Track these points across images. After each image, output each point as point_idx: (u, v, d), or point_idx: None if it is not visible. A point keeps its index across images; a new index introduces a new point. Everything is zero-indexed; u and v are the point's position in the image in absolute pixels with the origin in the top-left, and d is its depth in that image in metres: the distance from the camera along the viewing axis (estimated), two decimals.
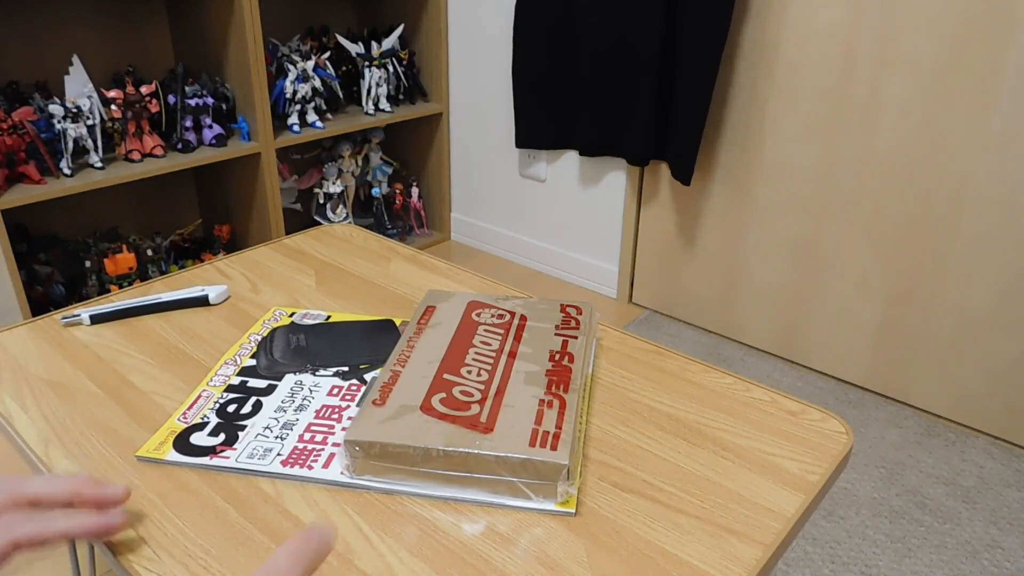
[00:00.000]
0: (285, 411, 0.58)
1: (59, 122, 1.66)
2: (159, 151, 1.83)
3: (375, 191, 2.43)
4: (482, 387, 0.54)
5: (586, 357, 0.60)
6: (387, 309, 0.74)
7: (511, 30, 2.12)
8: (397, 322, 0.71)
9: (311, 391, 0.60)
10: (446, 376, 0.55)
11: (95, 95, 1.71)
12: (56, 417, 0.57)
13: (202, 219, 2.26)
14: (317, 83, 2.07)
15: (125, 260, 1.90)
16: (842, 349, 1.83)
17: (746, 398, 0.61)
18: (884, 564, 1.32)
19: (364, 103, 2.23)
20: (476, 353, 0.58)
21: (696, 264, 2.04)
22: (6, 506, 0.42)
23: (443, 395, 0.53)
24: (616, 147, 2.01)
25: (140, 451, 0.53)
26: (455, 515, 0.48)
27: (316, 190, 2.32)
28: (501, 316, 0.64)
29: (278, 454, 0.53)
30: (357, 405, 0.58)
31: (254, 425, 0.56)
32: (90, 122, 1.71)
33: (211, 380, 0.61)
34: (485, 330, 0.62)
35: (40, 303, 1.83)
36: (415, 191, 2.52)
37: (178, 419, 0.57)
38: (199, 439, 0.54)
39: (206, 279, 0.80)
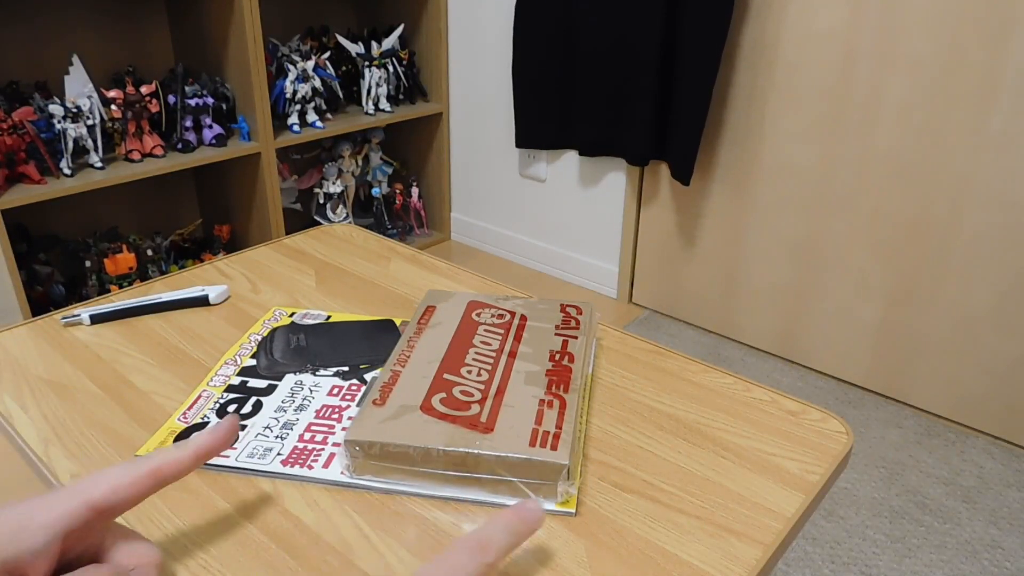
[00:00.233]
0: (285, 411, 0.58)
1: (59, 122, 1.66)
2: (159, 151, 1.83)
3: (375, 191, 2.43)
4: (482, 387, 0.54)
5: (586, 357, 0.60)
6: (387, 309, 0.74)
7: (511, 30, 2.12)
8: (397, 322, 0.71)
9: (311, 391, 0.60)
10: (446, 376, 0.55)
11: (95, 95, 1.71)
12: (56, 417, 0.57)
13: (202, 219, 2.26)
14: (317, 83, 2.07)
15: (125, 260, 1.90)
16: (842, 349, 1.83)
17: (746, 398, 0.61)
18: (884, 564, 1.32)
19: (364, 103, 2.23)
20: (476, 353, 0.58)
21: (696, 264, 2.04)
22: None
23: (443, 395, 0.53)
24: (616, 147, 2.01)
25: (140, 451, 0.53)
26: (455, 515, 0.48)
27: (316, 190, 2.32)
28: (501, 316, 0.64)
29: (278, 454, 0.53)
30: (357, 405, 0.58)
31: (254, 425, 0.56)
32: (90, 122, 1.71)
33: (211, 380, 0.61)
34: (485, 330, 0.62)
35: (40, 303, 1.83)
36: (415, 191, 2.52)
37: (178, 419, 0.57)
38: None
39: (206, 279, 0.80)
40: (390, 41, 2.23)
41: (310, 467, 0.52)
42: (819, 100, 1.68)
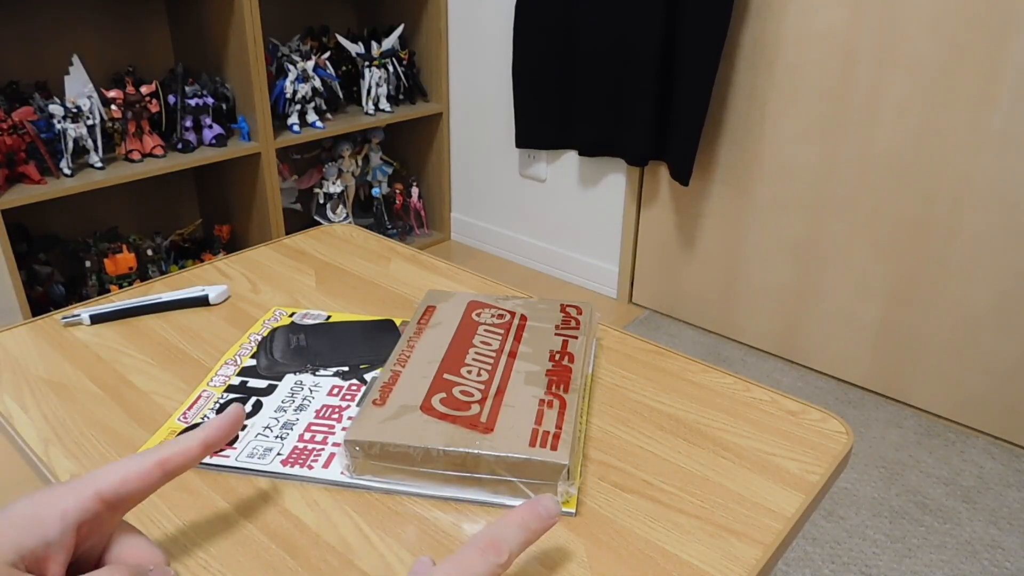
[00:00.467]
0: (285, 411, 0.58)
1: (59, 122, 1.66)
2: (159, 151, 1.83)
3: (375, 191, 2.43)
4: (482, 387, 0.54)
5: (586, 357, 0.60)
6: (387, 309, 0.74)
7: (511, 30, 2.12)
8: (397, 322, 0.71)
9: (311, 391, 0.60)
10: (446, 376, 0.55)
11: (95, 95, 1.71)
12: (56, 417, 0.57)
13: (202, 219, 2.26)
14: (317, 83, 2.07)
15: (125, 260, 1.90)
16: (842, 349, 1.83)
17: (746, 398, 0.61)
18: (884, 564, 1.32)
19: (364, 103, 2.24)
20: (476, 353, 0.58)
21: (696, 264, 2.04)
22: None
23: (443, 395, 0.53)
24: (616, 147, 2.01)
25: (140, 451, 0.53)
26: (455, 515, 0.48)
27: (316, 190, 2.32)
28: (501, 316, 0.64)
29: (278, 454, 0.53)
30: (357, 405, 0.58)
31: (254, 425, 0.56)
32: (90, 122, 1.71)
33: (211, 380, 0.61)
34: (485, 330, 0.62)
35: (40, 303, 1.83)
36: (415, 191, 2.52)
37: (178, 419, 0.57)
38: None
39: (206, 279, 0.80)
40: (390, 41, 2.23)
41: (310, 467, 0.52)
42: (819, 100, 1.68)
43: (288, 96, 2.04)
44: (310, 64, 2.04)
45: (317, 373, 0.62)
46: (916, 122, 1.57)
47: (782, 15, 1.68)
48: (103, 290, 1.91)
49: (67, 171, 1.69)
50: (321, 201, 2.32)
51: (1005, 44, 1.42)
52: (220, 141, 1.92)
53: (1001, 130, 1.47)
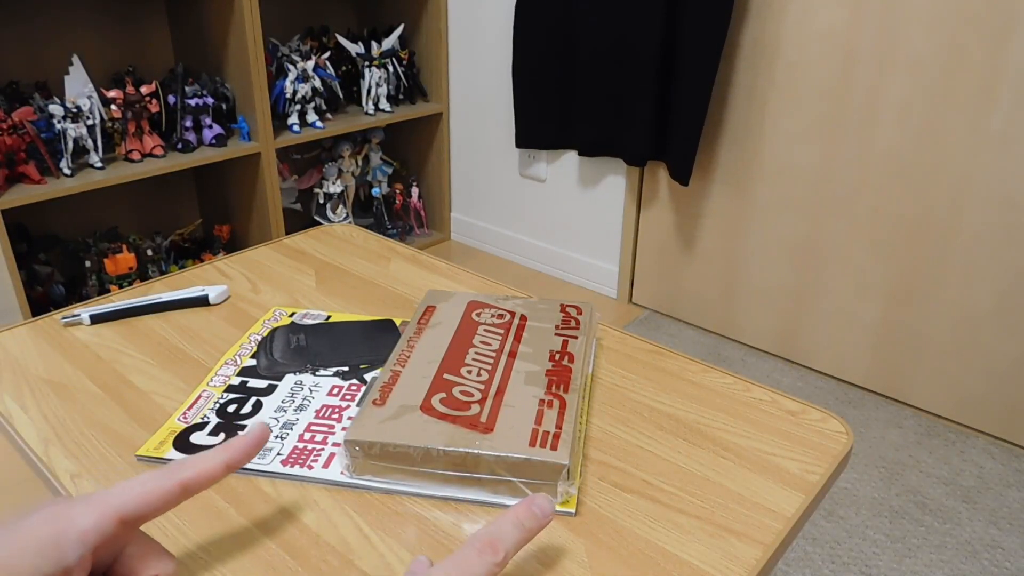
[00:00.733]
0: (285, 411, 0.58)
1: (59, 122, 1.66)
2: (159, 151, 1.83)
3: (375, 191, 2.43)
4: (482, 387, 0.54)
5: (586, 357, 0.60)
6: (387, 309, 0.74)
7: (511, 30, 2.12)
8: (397, 322, 0.71)
9: (311, 391, 0.60)
10: (446, 376, 0.55)
11: (95, 95, 1.71)
12: (56, 417, 0.57)
13: (202, 219, 2.26)
14: (317, 83, 2.07)
15: (125, 260, 1.90)
16: (842, 349, 1.83)
17: (746, 398, 0.61)
18: (884, 564, 1.32)
19: (364, 103, 2.24)
20: (476, 353, 0.58)
21: (696, 264, 2.04)
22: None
23: (443, 395, 0.53)
24: (615, 147, 2.01)
25: (140, 451, 0.53)
26: (455, 515, 0.48)
27: (316, 190, 2.32)
28: (501, 316, 0.64)
29: (278, 454, 0.53)
30: (357, 405, 0.58)
31: (254, 425, 0.56)
32: (90, 122, 1.71)
33: (211, 380, 0.61)
34: (485, 330, 0.62)
35: (40, 303, 1.83)
36: (415, 191, 2.52)
37: (178, 419, 0.57)
38: (199, 439, 0.54)
39: (206, 279, 0.80)
40: (390, 41, 2.23)
41: (310, 467, 0.52)
42: (819, 100, 1.68)
43: (288, 96, 2.04)
44: (310, 64, 2.04)
45: (317, 373, 0.62)
46: (916, 122, 1.57)
47: (782, 15, 1.68)
48: (103, 290, 1.91)
49: (67, 171, 1.69)
50: (321, 201, 2.32)
51: (1005, 44, 1.42)
52: (220, 141, 1.92)
53: (1001, 130, 1.47)
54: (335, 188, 2.30)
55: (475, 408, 0.52)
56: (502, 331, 0.62)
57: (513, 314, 0.65)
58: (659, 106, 1.85)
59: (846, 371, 1.84)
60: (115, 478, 0.51)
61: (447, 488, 0.49)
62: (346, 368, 0.63)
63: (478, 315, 0.64)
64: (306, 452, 0.53)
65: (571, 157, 2.19)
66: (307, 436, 0.55)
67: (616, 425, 0.57)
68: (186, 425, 0.56)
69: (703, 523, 0.48)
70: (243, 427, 0.56)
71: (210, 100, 1.89)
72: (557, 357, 0.58)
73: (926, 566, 1.32)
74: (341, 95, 2.23)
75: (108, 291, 1.90)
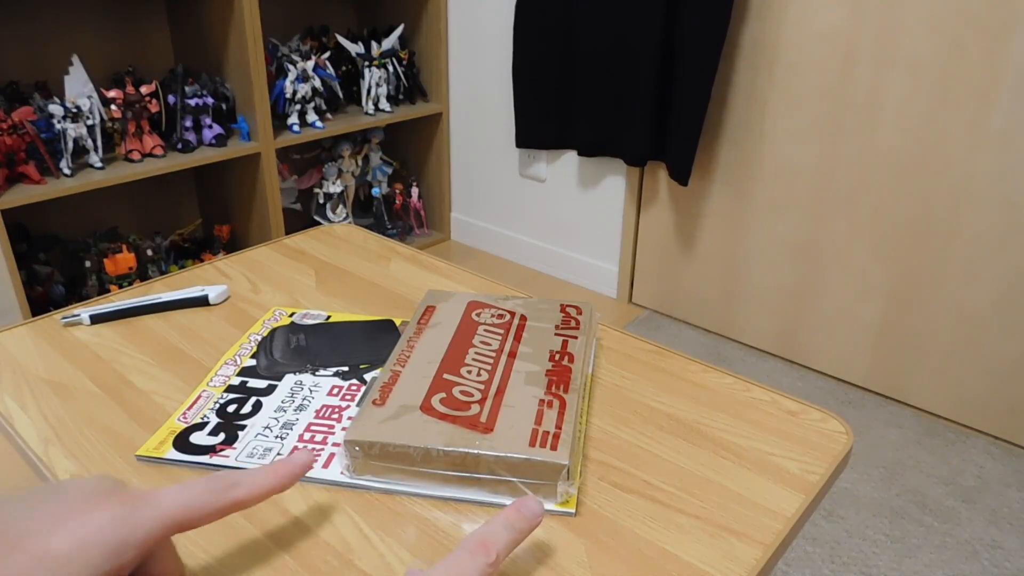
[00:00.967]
0: (285, 411, 0.58)
1: (59, 122, 1.66)
2: (159, 151, 1.83)
3: (375, 191, 2.43)
4: (482, 387, 0.54)
5: (586, 357, 0.60)
6: (387, 309, 0.74)
7: (511, 30, 2.12)
8: (397, 322, 0.71)
9: (311, 391, 0.60)
10: (446, 376, 0.55)
11: (95, 95, 1.71)
12: (56, 417, 0.57)
13: (202, 219, 2.26)
14: (317, 83, 2.07)
15: (125, 260, 1.90)
16: (842, 349, 1.83)
17: (746, 398, 0.61)
18: (884, 564, 1.32)
19: (364, 103, 2.24)
20: (476, 353, 0.58)
21: (696, 264, 2.04)
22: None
23: (443, 395, 0.53)
24: (615, 147, 2.01)
25: (140, 450, 0.53)
26: (455, 515, 0.48)
27: (316, 190, 2.32)
28: (501, 316, 0.64)
29: (278, 454, 0.53)
30: (357, 405, 0.58)
31: (254, 425, 0.56)
32: (90, 122, 1.71)
33: (211, 380, 0.61)
34: (485, 330, 0.62)
35: (40, 303, 1.83)
36: (415, 191, 2.52)
37: (178, 419, 0.57)
38: (199, 439, 0.54)
39: (206, 279, 0.79)
40: (390, 41, 2.23)
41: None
42: (819, 100, 1.68)
43: (288, 96, 2.04)
44: (310, 64, 2.04)
45: (317, 373, 0.62)
46: (916, 122, 1.57)
47: (782, 15, 1.68)
48: (103, 290, 1.91)
49: (67, 171, 1.69)
50: (321, 201, 2.32)
51: (1005, 44, 1.42)
52: (220, 141, 1.92)
53: (1001, 130, 1.47)
54: (335, 188, 2.30)
55: (475, 408, 0.52)
56: (502, 331, 0.62)
57: (513, 314, 0.65)
58: (659, 106, 1.85)
59: (846, 371, 1.84)
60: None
61: (447, 488, 0.49)
62: (346, 368, 0.63)
63: (478, 315, 0.64)
64: None
65: (571, 157, 2.19)
66: (307, 436, 0.55)
67: (616, 425, 0.57)
68: (186, 425, 0.56)
69: (703, 523, 0.48)
70: (243, 427, 0.56)
71: (210, 100, 1.89)
72: (557, 357, 0.58)
73: (926, 566, 1.32)
74: (341, 95, 2.23)
75: (108, 291, 1.90)
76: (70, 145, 1.68)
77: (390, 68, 2.26)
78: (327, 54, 2.13)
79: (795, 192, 1.79)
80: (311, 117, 2.09)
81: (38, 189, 1.63)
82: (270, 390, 0.60)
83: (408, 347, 0.59)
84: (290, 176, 2.31)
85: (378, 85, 2.23)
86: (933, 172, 1.57)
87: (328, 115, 2.17)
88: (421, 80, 2.40)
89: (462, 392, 0.53)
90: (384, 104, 2.26)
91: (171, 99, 1.86)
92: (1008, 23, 1.41)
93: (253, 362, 0.64)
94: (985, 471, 1.56)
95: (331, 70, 2.13)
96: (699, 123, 1.79)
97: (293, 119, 2.06)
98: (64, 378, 0.62)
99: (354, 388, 0.61)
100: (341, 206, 2.34)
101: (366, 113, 2.23)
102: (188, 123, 1.88)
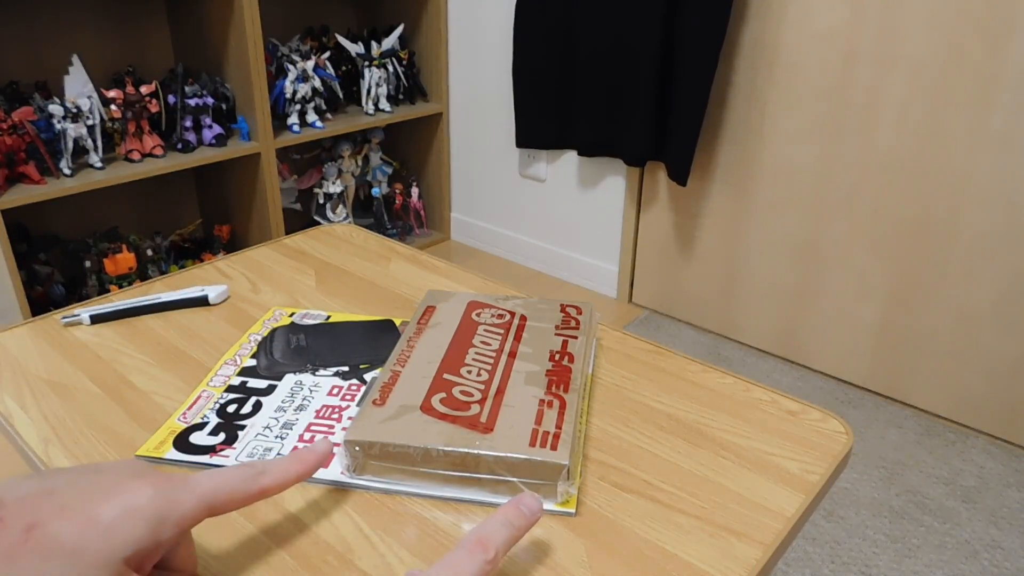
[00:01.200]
0: (285, 411, 0.58)
1: (59, 122, 1.66)
2: (159, 151, 1.83)
3: (375, 191, 2.43)
4: (482, 387, 0.54)
5: (586, 357, 0.60)
6: (387, 309, 0.74)
7: (511, 30, 2.12)
8: (397, 322, 0.71)
9: (311, 391, 0.60)
10: (446, 376, 0.55)
11: (95, 95, 1.71)
12: (56, 417, 0.57)
13: (202, 219, 2.26)
14: (317, 83, 2.07)
15: (125, 260, 1.90)
16: (842, 349, 1.83)
17: (746, 398, 0.61)
18: (884, 564, 1.32)
19: (364, 103, 2.24)
20: (476, 353, 0.58)
21: (696, 264, 2.04)
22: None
23: (443, 395, 0.53)
24: (614, 147, 2.01)
25: (140, 450, 0.53)
26: (455, 515, 0.48)
27: (316, 190, 2.32)
28: (501, 316, 0.64)
29: (278, 453, 0.53)
30: (357, 405, 0.58)
31: (254, 425, 0.56)
32: (90, 122, 1.71)
33: (211, 380, 0.61)
34: (485, 330, 0.62)
35: (40, 303, 1.83)
36: (415, 191, 2.52)
37: (178, 419, 0.57)
38: (199, 438, 0.54)
39: (206, 279, 0.80)
40: (390, 41, 2.23)
41: None
42: (819, 100, 1.68)
43: (288, 96, 2.04)
44: (310, 64, 2.04)
45: (317, 373, 0.62)
46: (916, 122, 1.57)
47: (782, 15, 1.68)
48: (103, 290, 1.91)
49: (67, 171, 1.69)
50: (321, 201, 2.32)
51: (1005, 44, 1.42)
52: (220, 141, 1.92)
53: (1001, 130, 1.47)
54: (335, 188, 2.30)
55: (475, 408, 0.52)
56: (502, 331, 0.62)
57: (513, 314, 0.65)
58: (658, 106, 1.85)
59: (846, 371, 1.84)
60: None
61: (447, 488, 0.49)
62: (346, 368, 0.63)
63: (478, 315, 0.64)
64: None
65: (571, 157, 2.19)
66: (307, 436, 0.55)
67: (616, 425, 0.57)
68: (186, 425, 0.56)
69: (703, 523, 0.48)
70: (243, 427, 0.56)
71: (210, 100, 1.89)
72: (557, 357, 0.58)
73: (926, 566, 1.32)
74: (341, 95, 2.23)
75: (108, 291, 1.90)
76: (70, 145, 1.68)
77: (390, 68, 2.26)
78: (327, 54, 2.13)
79: (795, 192, 1.79)
80: (311, 117, 2.09)
81: (38, 189, 1.63)
82: (270, 390, 0.60)
83: (408, 347, 0.59)
84: (290, 176, 2.31)
85: (378, 85, 2.23)
86: (933, 172, 1.57)
87: (328, 115, 2.17)
88: (421, 80, 2.40)
89: (462, 392, 0.53)
90: (384, 104, 2.26)
91: (171, 99, 1.86)
92: (1008, 24, 1.41)
93: (253, 362, 0.64)
94: (985, 471, 1.56)
95: (331, 70, 2.13)
96: (698, 123, 1.79)
97: (293, 119, 2.06)
98: (64, 378, 0.62)
99: (354, 388, 0.61)
100: (341, 206, 2.34)
101: (366, 113, 2.23)
102: (188, 123, 1.88)
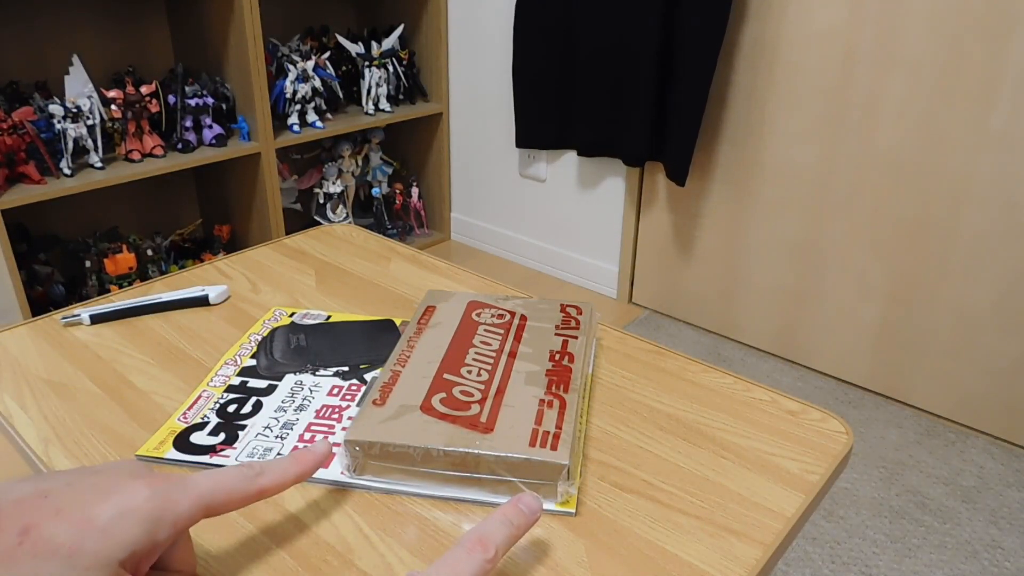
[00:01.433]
0: (285, 411, 0.58)
1: (59, 122, 1.66)
2: (159, 151, 1.83)
3: (375, 191, 2.43)
4: (482, 387, 0.54)
5: (586, 357, 0.60)
6: (387, 309, 0.74)
7: (511, 30, 2.12)
8: (397, 322, 0.71)
9: (311, 391, 0.60)
10: (446, 376, 0.55)
11: (95, 95, 1.71)
12: (56, 417, 0.57)
13: (202, 219, 2.26)
14: (317, 83, 2.07)
15: (125, 260, 1.90)
16: (842, 349, 1.83)
17: (746, 398, 0.61)
18: (884, 564, 1.32)
19: (364, 103, 2.24)
20: (476, 353, 0.58)
21: (696, 264, 2.04)
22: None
23: (443, 395, 0.53)
24: (614, 147, 2.01)
25: (140, 450, 0.53)
26: (455, 515, 0.48)
27: (316, 190, 2.32)
28: (501, 316, 0.64)
29: (278, 453, 0.53)
30: (357, 405, 0.58)
31: (254, 425, 0.56)
32: (90, 122, 1.71)
33: (211, 380, 0.61)
34: (485, 330, 0.62)
35: (40, 303, 1.83)
36: (415, 191, 2.52)
37: (178, 419, 0.57)
38: (199, 438, 0.54)
39: (206, 279, 0.80)
40: (390, 41, 2.23)
41: None
42: (819, 100, 1.68)
43: (288, 96, 2.04)
44: (310, 64, 2.04)
45: (317, 373, 0.62)
46: (916, 122, 1.57)
47: (782, 15, 1.68)
48: (103, 290, 1.91)
49: (67, 171, 1.69)
50: (321, 201, 2.32)
51: (1005, 44, 1.42)
52: (220, 141, 1.92)
53: (1001, 130, 1.47)
54: (335, 188, 2.30)
55: (475, 408, 0.52)
56: (502, 331, 0.62)
57: (513, 314, 0.65)
58: (657, 107, 1.85)
59: (846, 371, 1.84)
60: None
61: (447, 488, 0.49)
62: (346, 368, 0.63)
63: (478, 315, 0.64)
64: None
65: (571, 157, 2.19)
66: (307, 436, 0.55)
67: (616, 425, 0.57)
68: (186, 425, 0.56)
69: (703, 523, 0.48)
70: (243, 427, 0.56)
71: (210, 100, 1.89)
72: (557, 357, 0.58)
73: (926, 566, 1.32)
74: (341, 95, 2.23)
75: (108, 291, 1.90)
76: (70, 145, 1.68)
77: (390, 68, 2.26)
78: (327, 54, 2.13)
79: (795, 192, 1.79)
80: (311, 117, 2.09)
81: (38, 189, 1.63)
82: (270, 390, 0.60)
83: (408, 347, 0.59)
84: (290, 176, 2.31)
85: (378, 85, 2.23)
86: (933, 172, 1.57)
87: (328, 115, 2.17)
88: (421, 80, 2.40)
89: (462, 392, 0.53)
90: (384, 104, 2.26)
91: (171, 99, 1.86)
92: (1008, 23, 1.41)
93: (253, 362, 0.64)
94: (985, 471, 1.56)
95: (331, 70, 2.13)
96: (697, 124, 1.79)
97: (293, 119, 2.06)
98: (64, 378, 0.62)
99: (354, 388, 0.61)
100: (341, 206, 2.34)
101: (366, 113, 2.23)
102: (188, 123, 1.88)
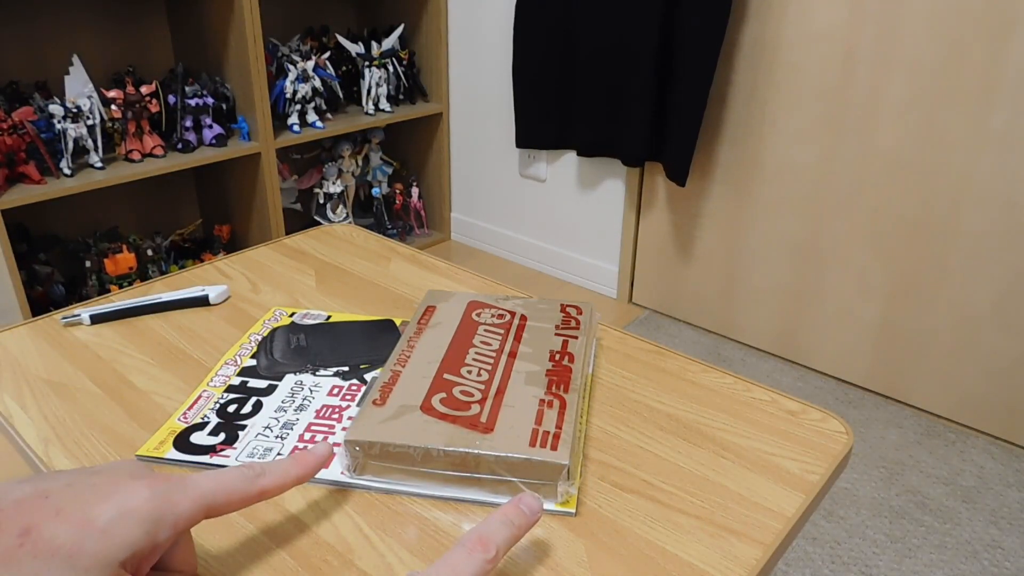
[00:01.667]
0: (285, 411, 0.58)
1: (59, 122, 1.66)
2: (159, 151, 1.83)
3: (375, 191, 2.43)
4: (482, 387, 0.54)
5: (586, 357, 0.60)
6: (387, 309, 0.74)
7: (511, 30, 2.12)
8: (397, 322, 0.71)
9: (311, 391, 0.60)
10: (446, 376, 0.55)
11: (95, 95, 1.71)
12: (56, 417, 0.57)
13: (202, 219, 2.26)
14: (317, 83, 2.07)
15: (125, 260, 1.90)
16: (842, 349, 1.83)
17: (746, 398, 0.61)
18: (884, 564, 1.32)
19: (364, 103, 2.24)
20: (476, 353, 0.58)
21: (696, 264, 2.04)
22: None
23: (443, 395, 0.53)
24: (614, 148, 2.01)
25: (140, 450, 0.53)
26: (455, 515, 0.48)
27: (316, 190, 2.32)
28: (501, 316, 0.64)
29: (278, 453, 0.53)
30: (357, 405, 0.58)
31: (254, 425, 0.56)
32: (90, 122, 1.71)
33: (211, 380, 0.61)
34: (485, 330, 0.62)
35: (40, 303, 1.83)
36: (415, 191, 2.52)
37: (178, 419, 0.57)
38: (199, 438, 0.54)
39: (206, 279, 0.80)
40: (390, 41, 2.23)
41: None
42: (819, 100, 1.68)
43: (288, 96, 2.04)
44: (310, 64, 2.04)
45: (317, 373, 0.62)
46: (916, 122, 1.57)
47: (782, 15, 1.68)
48: (103, 290, 1.91)
49: (67, 171, 1.69)
50: (321, 201, 2.32)
51: (1005, 44, 1.42)
52: (220, 141, 1.92)
53: (1001, 130, 1.47)
54: (335, 188, 2.30)
55: (475, 408, 0.52)
56: (502, 331, 0.62)
57: (513, 314, 0.65)
58: (657, 107, 1.85)
59: (846, 371, 1.84)
60: None
61: (447, 488, 0.49)
62: (346, 368, 0.63)
63: (478, 315, 0.64)
64: None
65: (571, 157, 2.19)
66: (307, 436, 0.55)
67: (616, 425, 0.57)
68: (186, 425, 0.56)
69: (703, 523, 0.48)
70: (243, 427, 0.56)
71: (210, 100, 1.89)
72: (557, 357, 0.58)
73: (926, 566, 1.32)
74: (341, 95, 2.23)
75: (108, 291, 1.90)
76: (70, 145, 1.68)
77: (390, 68, 2.26)
78: (327, 54, 2.13)
79: (795, 192, 1.79)
80: (311, 117, 2.09)
81: (38, 189, 1.63)
82: (270, 390, 0.60)
83: (408, 347, 0.59)
84: (290, 176, 2.31)
85: (378, 85, 2.23)
86: (933, 172, 1.57)
87: (328, 115, 2.17)
88: (421, 80, 2.40)
89: (462, 392, 0.53)
90: (384, 104, 2.26)
91: (171, 99, 1.86)
92: (1008, 23, 1.41)
93: (253, 362, 0.64)
94: (985, 471, 1.56)
95: (331, 70, 2.13)
96: (697, 124, 1.79)
97: (293, 119, 2.06)
98: (64, 378, 0.62)
99: (354, 388, 0.61)
100: (341, 206, 2.34)
101: (366, 113, 2.23)
102: (188, 123, 1.88)
